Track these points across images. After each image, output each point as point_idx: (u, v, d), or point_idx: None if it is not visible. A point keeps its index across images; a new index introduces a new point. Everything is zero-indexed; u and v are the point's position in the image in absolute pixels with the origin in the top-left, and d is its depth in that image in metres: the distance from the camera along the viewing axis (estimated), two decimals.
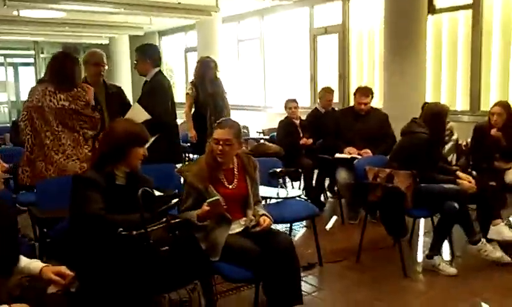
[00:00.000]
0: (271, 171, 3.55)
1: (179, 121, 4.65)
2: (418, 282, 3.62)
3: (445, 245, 4.00)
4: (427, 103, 4.33)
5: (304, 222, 4.81)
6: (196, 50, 10.16)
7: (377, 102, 7.52)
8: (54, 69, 3.70)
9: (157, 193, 2.87)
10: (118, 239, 2.02)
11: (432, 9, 6.68)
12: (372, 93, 4.98)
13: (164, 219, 2.17)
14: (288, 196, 3.60)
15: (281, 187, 3.57)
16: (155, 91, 4.12)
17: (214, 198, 2.63)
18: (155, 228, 2.11)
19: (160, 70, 4.23)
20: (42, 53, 14.79)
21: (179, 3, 7.85)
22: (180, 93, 12.48)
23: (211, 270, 2.64)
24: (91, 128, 3.65)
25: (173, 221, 2.20)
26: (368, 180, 3.88)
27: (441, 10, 6.81)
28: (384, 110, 6.27)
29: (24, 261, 2.02)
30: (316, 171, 5.62)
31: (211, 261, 2.58)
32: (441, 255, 3.76)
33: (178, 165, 3.61)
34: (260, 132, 7.69)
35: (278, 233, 2.82)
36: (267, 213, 2.90)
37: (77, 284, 1.97)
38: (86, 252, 2.14)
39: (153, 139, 4.02)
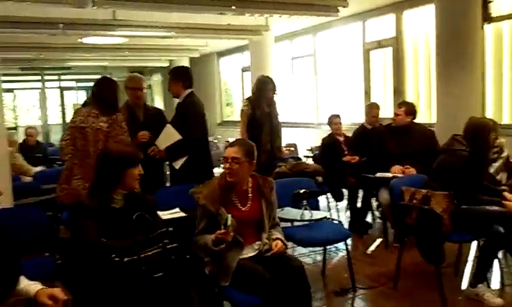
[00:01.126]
0: (294, 192, 3.45)
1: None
2: None
3: (495, 273, 3.68)
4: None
5: (342, 244, 4.63)
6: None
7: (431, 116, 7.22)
8: (98, 93, 3.89)
9: (168, 214, 2.89)
10: (111, 265, 2.02)
11: (488, 18, 6.26)
12: (405, 105, 4.80)
13: (160, 244, 2.15)
14: (312, 218, 3.46)
15: (306, 209, 3.45)
16: (187, 112, 4.18)
17: (227, 217, 2.57)
18: (150, 253, 2.10)
19: (192, 92, 4.28)
20: (110, 76, 15.65)
21: (229, 24, 7.98)
22: (237, 111, 12.69)
23: (220, 295, 2.58)
24: None
25: (169, 246, 2.17)
26: (404, 201, 3.67)
27: (500, 18, 6.36)
28: (438, 125, 5.99)
29: (23, 282, 2.08)
30: (361, 191, 5.43)
31: (217, 287, 2.52)
32: (486, 283, 3.45)
33: None
34: (308, 150, 7.56)
35: (289, 258, 2.71)
36: (280, 237, 2.80)
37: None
38: (83, 276, 2.17)
39: (184, 159, 4.12)
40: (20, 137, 9.22)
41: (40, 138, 8.61)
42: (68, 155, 3.76)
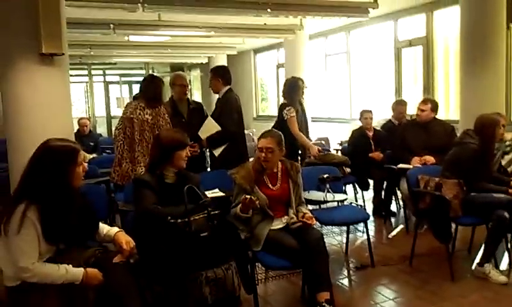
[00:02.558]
0: (319, 177, 3.92)
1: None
2: (464, 286, 3.71)
3: (504, 256, 4.06)
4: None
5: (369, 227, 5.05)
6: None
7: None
8: (145, 89, 4.47)
9: (210, 194, 3.42)
10: (166, 226, 2.57)
11: None
12: (430, 102, 5.14)
13: (205, 211, 2.68)
14: (334, 199, 3.93)
15: (328, 192, 3.91)
16: (225, 107, 4.70)
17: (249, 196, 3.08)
18: (197, 217, 2.63)
19: (230, 88, 4.80)
20: (153, 72, 16.43)
21: (265, 24, 8.46)
22: (272, 106, 13.18)
23: (253, 258, 3.09)
24: None
25: (212, 212, 2.70)
26: (419, 188, 4.08)
27: None
28: (461, 122, 6.29)
29: (105, 228, 2.65)
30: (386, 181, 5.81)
31: (250, 249, 3.04)
32: (495, 264, 3.83)
33: None
34: (339, 144, 7.97)
35: (311, 229, 3.18)
36: (307, 212, 3.30)
37: (136, 258, 2.56)
38: (144, 235, 2.72)
39: (223, 147, 4.65)
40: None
41: None
42: (120, 141, 4.33)
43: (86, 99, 15.43)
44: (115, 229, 2.64)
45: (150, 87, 4.45)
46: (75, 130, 8.09)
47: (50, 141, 2.50)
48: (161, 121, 4.33)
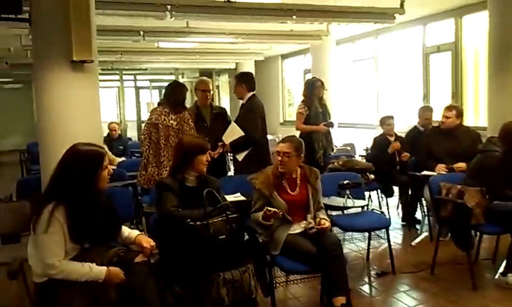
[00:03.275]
0: (339, 183, 3.95)
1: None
2: (486, 296, 3.67)
3: None
4: None
5: (393, 235, 5.04)
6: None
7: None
8: (169, 95, 4.60)
9: (231, 198, 3.50)
10: (186, 228, 2.66)
11: None
12: (455, 109, 5.09)
13: (224, 214, 2.76)
14: (354, 205, 3.95)
15: (348, 198, 3.94)
16: (249, 112, 4.79)
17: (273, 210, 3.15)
18: (216, 220, 2.72)
19: (254, 94, 4.89)
20: (182, 77, 16.71)
21: (291, 30, 8.53)
22: None
23: (271, 261, 3.15)
24: None
25: (230, 216, 2.78)
26: (441, 196, 4.05)
27: None
28: (489, 129, 6.19)
29: (127, 231, 2.77)
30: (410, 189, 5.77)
31: (268, 253, 3.10)
32: None
33: None
34: (364, 150, 7.94)
35: (329, 234, 3.22)
36: (325, 218, 3.34)
37: (156, 258, 2.66)
38: (165, 237, 2.82)
39: (246, 152, 4.74)
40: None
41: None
42: (145, 146, 4.48)
43: (117, 104, 15.80)
44: (136, 232, 2.76)
45: (174, 93, 4.60)
46: (105, 134, 8.37)
47: (78, 145, 2.63)
48: (185, 126, 4.45)
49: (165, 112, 4.46)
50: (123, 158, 7.18)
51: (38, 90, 4.29)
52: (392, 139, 6.08)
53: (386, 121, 6.26)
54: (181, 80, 16.39)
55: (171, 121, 4.40)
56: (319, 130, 5.56)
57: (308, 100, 5.66)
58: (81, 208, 2.48)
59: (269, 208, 3.10)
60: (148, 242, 2.66)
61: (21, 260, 2.91)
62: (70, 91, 4.12)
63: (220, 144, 4.75)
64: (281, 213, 3.14)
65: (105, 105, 16.24)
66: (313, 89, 5.65)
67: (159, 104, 4.83)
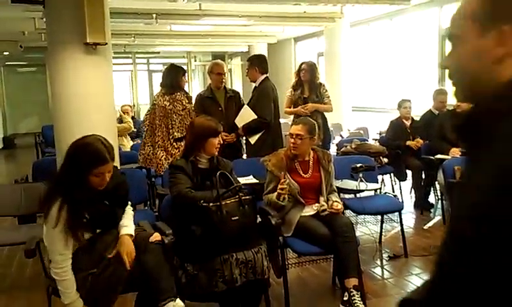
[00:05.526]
0: (352, 166, 3.94)
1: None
2: None
3: None
4: None
5: (405, 218, 5.02)
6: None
7: None
8: (164, 77, 4.87)
9: (244, 180, 3.51)
10: (199, 209, 2.67)
11: None
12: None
13: (237, 196, 2.77)
14: (367, 188, 3.94)
15: (361, 181, 3.92)
16: (262, 96, 4.77)
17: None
18: (228, 202, 2.73)
19: (267, 77, 4.86)
20: (195, 61, 16.69)
21: (305, 12, 8.44)
22: None
23: (284, 243, 3.17)
24: (178, 130, 4.55)
25: (243, 197, 2.79)
26: (455, 179, 4.02)
27: None
28: None
29: (124, 222, 2.72)
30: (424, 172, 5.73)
31: (281, 234, 3.11)
32: None
33: None
34: (378, 133, 7.89)
35: (341, 216, 3.23)
36: (338, 200, 3.34)
37: (170, 238, 2.69)
38: (178, 217, 2.84)
39: (259, 134, 4.74)
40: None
41: None
42: (146, 127, 4.78)
43: (131, 87, 15.86)
44: (125, 230, 2.65)
45: (168, 76, 4.80)
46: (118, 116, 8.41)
47: (87, 138, 2.57)
48: (178, 106, 4.60)
49: (162, 93, 4.71)
50: (137, 140, 7.22)
51: (52, 73, 4.33)
52: (408, 123, 6.02)
53: (402, 104, 6.19)
54: (194, 63, 16.39)
55: (165, 102, 4.61)
56: (297, 112, 5.34)
57: (295, 83, 5.61)
58: (81, 208, 2.47)
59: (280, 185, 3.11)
60: (129, 253, 2.54)
61: (38, 240, 2.95)
62: (84, 74, 4.15)
63: (229, 138, 4.72)
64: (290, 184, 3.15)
65: (118, 89, 16.51)
66: (299, 73, 5.59)
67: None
